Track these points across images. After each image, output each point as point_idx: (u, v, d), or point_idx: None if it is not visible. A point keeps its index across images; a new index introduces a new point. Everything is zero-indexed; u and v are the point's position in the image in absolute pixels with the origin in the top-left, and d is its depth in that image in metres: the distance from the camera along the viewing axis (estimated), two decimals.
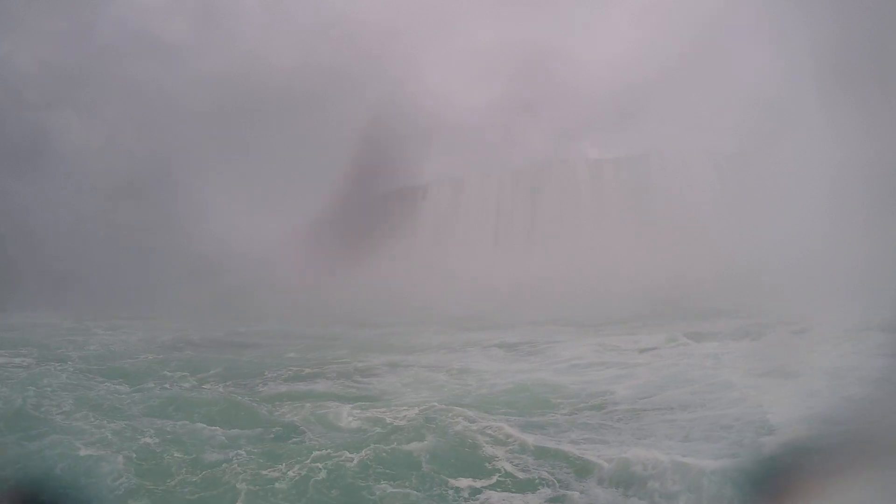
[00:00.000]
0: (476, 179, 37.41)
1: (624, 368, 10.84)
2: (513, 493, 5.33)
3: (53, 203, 28.23)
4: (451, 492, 5.25)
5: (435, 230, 37.53)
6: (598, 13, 34.03)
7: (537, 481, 5.46)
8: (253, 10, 37.00)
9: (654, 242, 31.44)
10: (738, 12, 28.69)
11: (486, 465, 5.72)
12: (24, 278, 25.36)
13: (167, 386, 10.40)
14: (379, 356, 13.68)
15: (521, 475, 5.61)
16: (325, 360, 13.07)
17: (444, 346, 15.43)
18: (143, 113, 33.11)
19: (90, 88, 32.72)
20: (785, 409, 6.97)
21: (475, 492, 5.33)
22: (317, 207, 35.76)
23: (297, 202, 34.91)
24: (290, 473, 5.43)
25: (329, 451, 5.94)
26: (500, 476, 5.55)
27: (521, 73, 35.83)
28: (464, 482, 5.36)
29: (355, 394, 9.38)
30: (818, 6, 24.45)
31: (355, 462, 5.50)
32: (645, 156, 34.07)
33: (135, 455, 6.34)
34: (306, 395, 9.25)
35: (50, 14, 32.99)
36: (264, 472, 5.52)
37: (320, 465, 5.43)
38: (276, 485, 5.16)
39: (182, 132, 32.34)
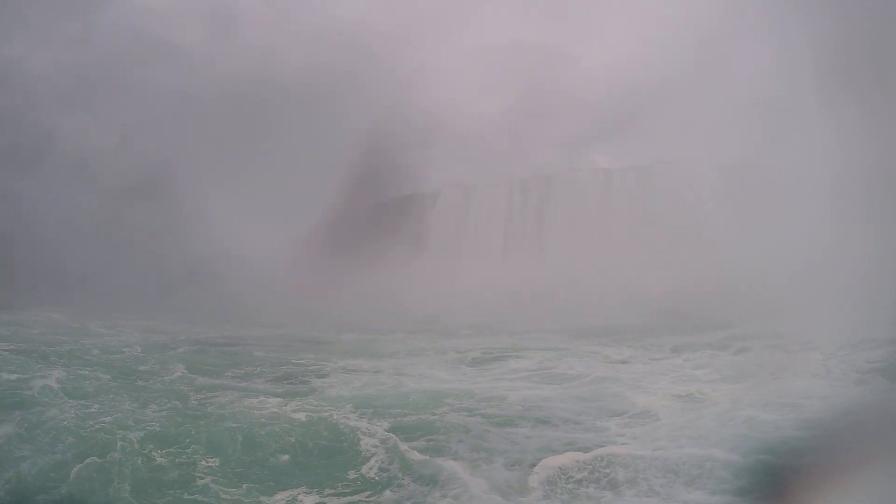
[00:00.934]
0: (485, 187, 38.31)
1: (551, 380, 11.63)
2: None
3: (64, 205, 29.81)
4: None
5: (444, 238, 38.50)
6: (606, 21, 34.40)
7: (367, 485, 6.30)
8: (263, 16, 38.26)
9: (661, 252, 31.90)
10: (742, 16, 28.91)
11: (337, 463, 6.65)
12: (34, 279, 27.12)
13: (131, 375, 11.62)
14: (341, 360, 14.75)
15: (370, 476, 6.43)
16: (286, 361, 14.21)
17: (414, 353, 16.36)
18: (155, 116, 34.37)
19: (102, 91, 34.15)
20: (642, 438, 7.50)
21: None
22: (324, 213, 36.75)
23: (305, 207, 35.93)
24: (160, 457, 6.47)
25: (198, 446, 6.89)
26: (341, 477, 6.38)
27: (529, 80, 36.60)
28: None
29: (287, 391, 10.41)
30: (820, 8, 24.69)
31: (219, 459, 6.34)
32: (653, 165, 34.51)
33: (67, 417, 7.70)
34: (243, 388, 10.34)
35: (62, 16, 34.61)
36: (137, 447, 6.61)
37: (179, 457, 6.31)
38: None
39: (192, 136, 33.62)
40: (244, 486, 6.11)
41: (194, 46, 35.68)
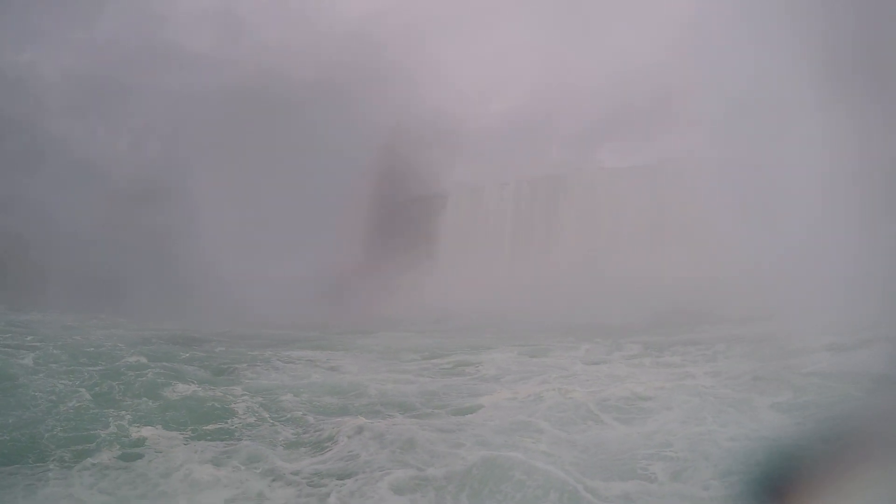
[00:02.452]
0: (494, 188, 40.43)
1: (445, 375, 13.88)
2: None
3: (75, 209, 32.60)
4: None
5: (453, 238, 40.76)
6: (613, 22, 35.88)
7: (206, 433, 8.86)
8: (274, 20, 40.92)
9: (669, 250, 33.45)
10: (747, 16, 30.00)
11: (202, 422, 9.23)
12: (45, 282, 30.36)
13: (82, 359, 14.54)
14: (296, 352, 17.41)
15: (212, 429, 8.92)
16: (235, 354, 16.89)
17: (365, 349, 18.73)
18: (164, 120, 37.00)
19: (112, 96, 36.97)
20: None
21: None
22: (335, 215, 39.05)
23: (315, 210, 38.23)
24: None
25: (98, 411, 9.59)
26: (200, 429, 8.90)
27: (537, 81, 38.47)
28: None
29: (210, 378, 12.99)
30: (822, 7, 25.75)
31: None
32: (660, 164, 35.87)
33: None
34: (171, 370, 13.06)
35: (71, 23, 37.61)
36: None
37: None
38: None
39: (202, 139, 36.20)
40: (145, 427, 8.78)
41: (212, 53, 38.61)
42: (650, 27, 34.39)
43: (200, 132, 36.85)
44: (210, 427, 9.12)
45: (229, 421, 9.38)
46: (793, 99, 27.90)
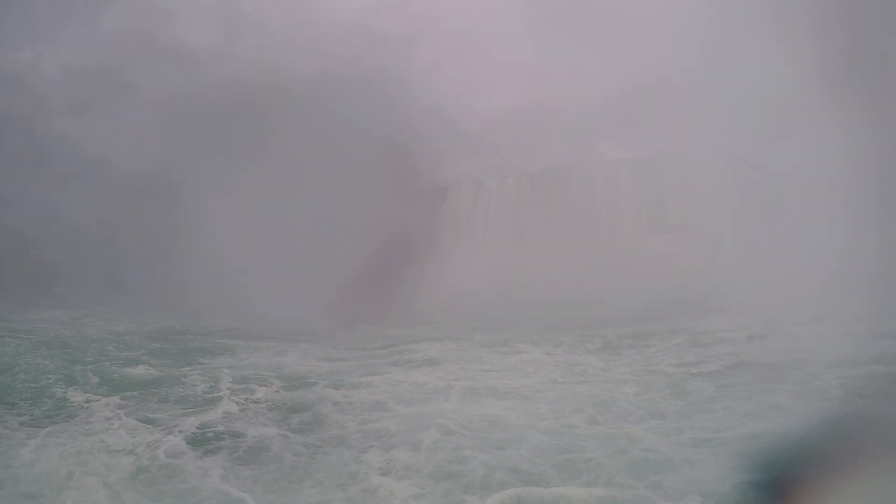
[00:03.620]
0: (495, 182, 42.70)
1: (374, 359, 16.88)
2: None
3: (77, 206, 35.03)
4: None
5: (454, 232, 43.13)
6: (614, 17, 37.44)
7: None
8: (275, 18, 43.21)
9: (666, 242, 35.41)
10: (749, 14, 31.40)
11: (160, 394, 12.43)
12: (46, 280, 33.48)
13: (63, 348, 17.78)
14: (263, 343, 20.42)
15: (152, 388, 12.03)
16: (203, 344, 19.94)
17: (331, 340, 21.67)
18: (164, 119, 39.21)
19: (112, 94, 39.37)
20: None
21: None
22: (336, 211, 41.53)
23: (316, 205, 40.73)
24: None
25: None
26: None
27: (538, 75, 40.48)
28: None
29: (169, 363, 16.04)
30: (826, 5, 27.36)
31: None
32: (661, 157, 37.65)
33: None
34: (135, 357, 16.30)
35: (72, 21, 39.89)
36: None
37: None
38: None
39: (204, 137, 38.41)
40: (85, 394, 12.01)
41: (213, 51, 41.02)
42: (652, 22, 35.86)
43: (203, 128, 38.95)
44: (133, 392, 12.21)
45: (154, 390, 12.44)
46: (791, 96, 29.49)
